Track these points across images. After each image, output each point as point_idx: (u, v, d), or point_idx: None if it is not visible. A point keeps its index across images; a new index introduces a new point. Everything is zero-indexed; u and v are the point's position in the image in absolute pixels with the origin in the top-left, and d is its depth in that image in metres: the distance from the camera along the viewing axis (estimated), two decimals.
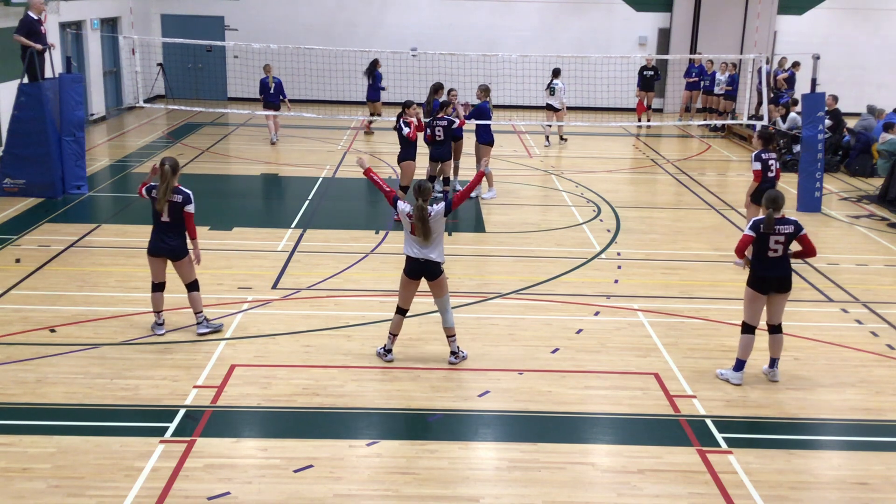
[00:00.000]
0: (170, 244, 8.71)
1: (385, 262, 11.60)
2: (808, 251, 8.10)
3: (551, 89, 20.64)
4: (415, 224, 8.00)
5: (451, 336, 8.42)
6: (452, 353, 8.47)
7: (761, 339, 8.34)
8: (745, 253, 8.16)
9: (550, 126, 21.04)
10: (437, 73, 20.19)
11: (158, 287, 8.91)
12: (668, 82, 25.43)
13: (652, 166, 18.88)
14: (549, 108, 20.81)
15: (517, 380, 8.23)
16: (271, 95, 19.57)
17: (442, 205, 8.09)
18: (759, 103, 19.97)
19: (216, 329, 9.07)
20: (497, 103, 20.63)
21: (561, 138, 21.10)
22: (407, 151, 13.46)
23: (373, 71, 21.24)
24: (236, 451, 6.85)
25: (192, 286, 8.93)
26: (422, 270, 8.16)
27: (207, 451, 6.80)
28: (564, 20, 26.63)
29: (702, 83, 24.11)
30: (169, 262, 8.84)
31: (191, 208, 8.70)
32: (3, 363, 8.20)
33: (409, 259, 8.20)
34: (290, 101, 20.13)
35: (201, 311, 9.00)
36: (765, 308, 8.13)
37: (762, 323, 8.24)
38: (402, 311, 8.43)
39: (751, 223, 8.04)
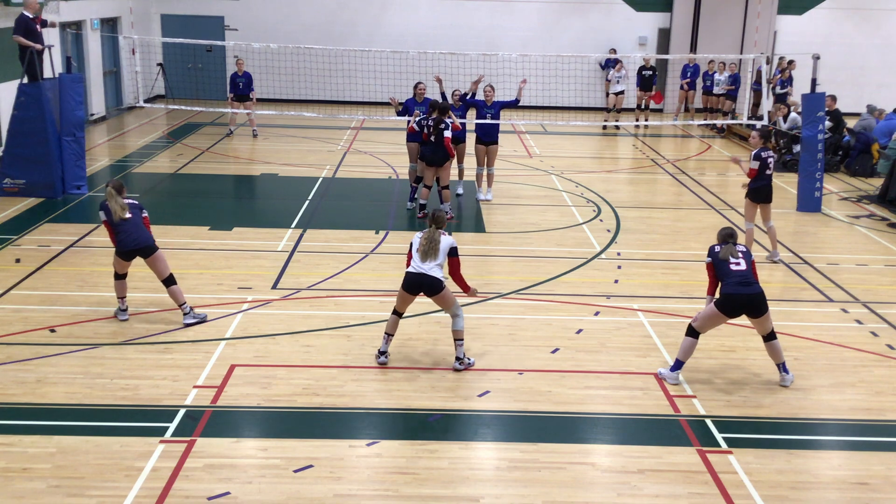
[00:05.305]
0: (136, 238, 9.03)
1: (385, 262, 11.61)
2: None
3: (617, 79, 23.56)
4: (422, 242, 8.20)
5: (457, 339, 8.35)
6: (457, 358, 8.37)
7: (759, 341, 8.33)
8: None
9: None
10: (436, 73, 20.14)
11: (121, 276, 9.33)
12: (668, 82, 25.43)
13: (652, 166, 18.87)
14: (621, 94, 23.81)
15: (517, 380, 8.23)
16: (241, 89, 20.29)
17: (452, 241, 8.30)
18: (756, 104, 19.99)
19: (202, 319, 9.28)
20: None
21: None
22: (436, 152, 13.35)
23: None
24: (236, 451, 6.85)
25: (169, 281, 9.19)
26: (420, 284, 8.17)
27: (207, 451, 6.81)
28: (564, 20, 26.62)
29: (699, 83, 24.11)
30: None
31: (145, 213, 9.31)
32: (3, 363, 8.20)
33: (407, 274, 8.24)
34: (290, 101, 20.14)
35: (185, 302, 9.25)
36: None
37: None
38: (397, 313, 8.44)
39: (708, 251, 8.23)
